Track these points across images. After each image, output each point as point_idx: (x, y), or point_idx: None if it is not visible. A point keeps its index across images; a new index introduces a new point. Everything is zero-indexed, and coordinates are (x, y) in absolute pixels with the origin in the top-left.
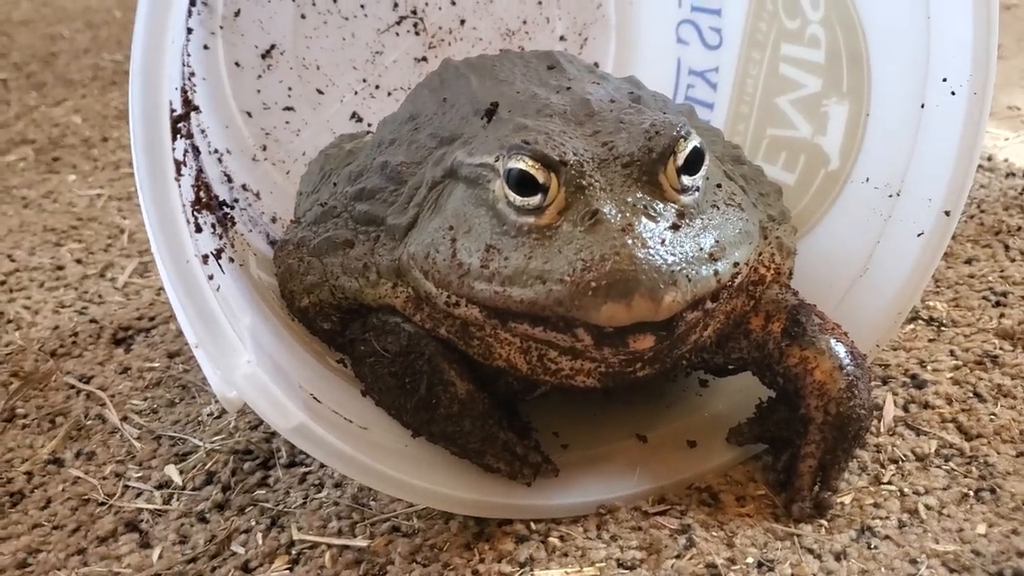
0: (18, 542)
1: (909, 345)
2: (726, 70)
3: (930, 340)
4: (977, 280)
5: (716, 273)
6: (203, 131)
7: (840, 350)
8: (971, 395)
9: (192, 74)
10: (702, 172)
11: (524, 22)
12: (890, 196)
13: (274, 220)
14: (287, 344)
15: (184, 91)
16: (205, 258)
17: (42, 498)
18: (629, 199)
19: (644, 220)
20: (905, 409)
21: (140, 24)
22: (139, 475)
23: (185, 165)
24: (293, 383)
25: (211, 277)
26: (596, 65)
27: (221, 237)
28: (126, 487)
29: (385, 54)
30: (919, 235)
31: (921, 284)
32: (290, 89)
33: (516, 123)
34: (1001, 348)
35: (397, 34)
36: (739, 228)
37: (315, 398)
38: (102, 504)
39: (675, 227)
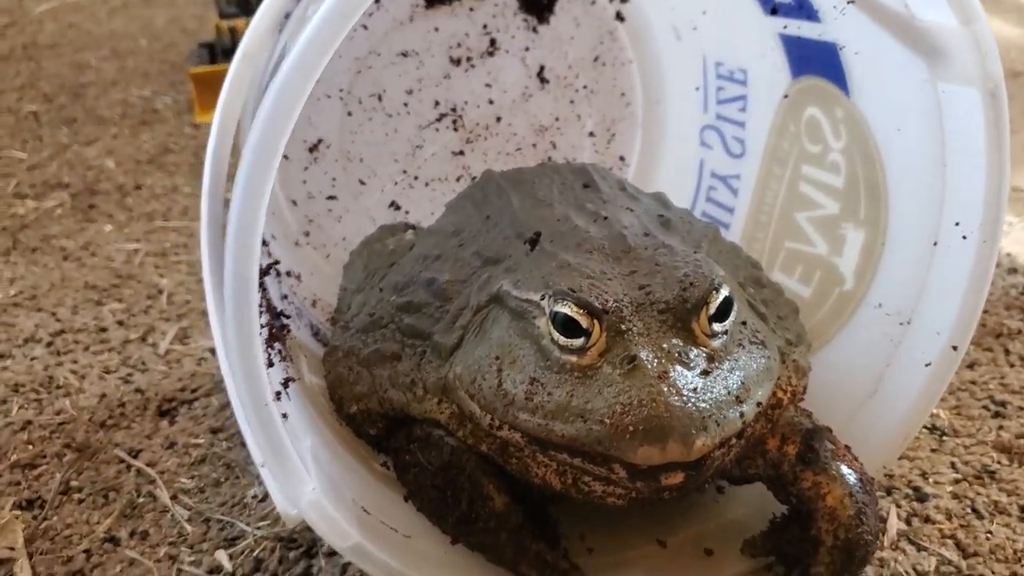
0: None
1: (912, 455)
2: (747, 179)
3: (932, 450)
4: (978, 387)
5: (742, 415)
6: None
7: (851, 477)
8: (969, 511)
9: None
10: (731, 319)
11: (556, 119)
12: (901, 324)
13: (314, 304)
14: (338, 455)
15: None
16: (278, 395)
17: None
18: (664, 345)
19: (678, 367)
20: (908, 522)
21: (241, 191)
22: (191, 559)
23: (261, 308)
24: (347, 500)
25: (285, 416)
26: (622, 159)
27: (284, 358)
28: (180, 571)
29: (425, 148)
30: (927, 365)
31: (926, 411)
32: (334, 179)
33: (560, 260)
34: (999, 462)
35: (437, 129)
36: (762, 366)
37: (365, 510)
38: None
39: (705, 372)
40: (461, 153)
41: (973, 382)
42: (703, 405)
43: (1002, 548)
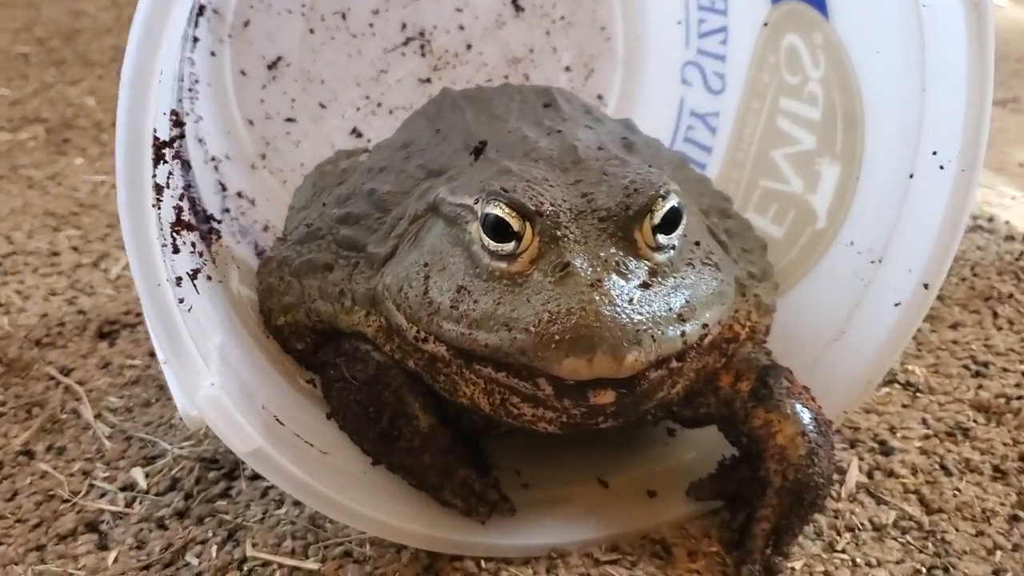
0: None
1: (882, 409)
2: (726, 116)
3: (904, 405)
4: (960, 347)
5: (683, 334)
6: (200, 140)
7: (805, 416)
8: (938, 467)
9: (196, 81)
10: (679, 231)
11: (531, 50)
12: (872, 262)
13: (266, 229)
14: (257, 364)
15: (175, 113)
16: (179, 280)
17: (9, 490)
18: (602, 254)
19: (614, 277)
20: (869, 476)
21: (129, 57)
22: (106, 475)
23: (168, 187)
24: (256, 405)
25: (182, 300)
26: (600, 98)
27: (201, 255)
28: (91, 486)
29: (390, 73)
30: (896, 304)
31: (894, 354)
32: (293, 101)
33: (500, 166)
34: (974, 421)
35: (403, 54)
36: (713, 288)
37: (278, 420)
38: (66, 501)
39: (645, 285)
40: (428, 81)
41: (955, 342)
42: (638, 317)
43: (969, 506)
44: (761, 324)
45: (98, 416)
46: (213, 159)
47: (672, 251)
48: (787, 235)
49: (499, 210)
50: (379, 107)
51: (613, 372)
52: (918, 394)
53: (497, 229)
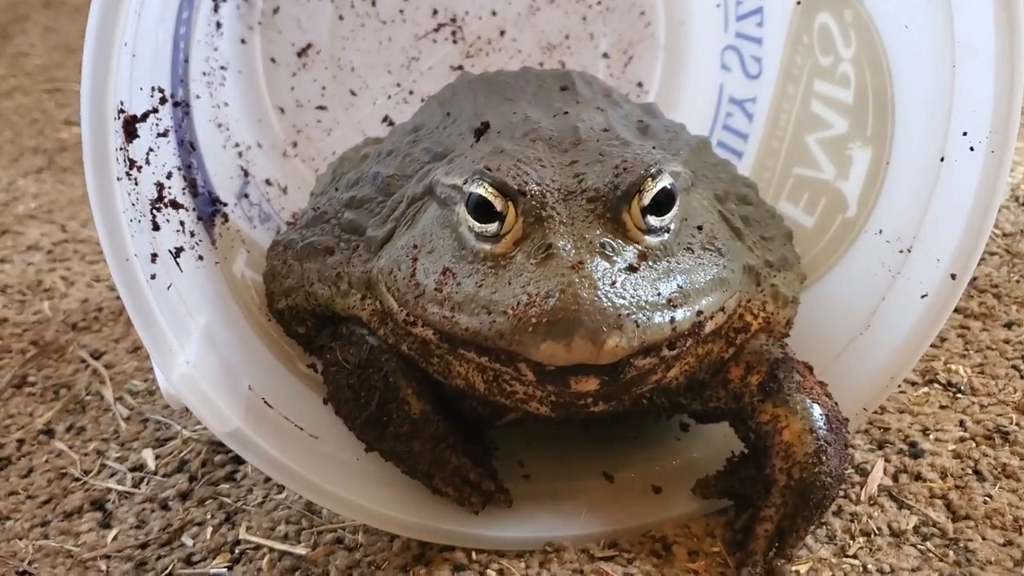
0: None
1: (917, 410)
2: (763, 101)
3: (942, 407)
4: (1011, 346)
5: (672, 321)
6: (221, 125)
7: (815, 412)
8: (970, 472)
9: (223, 67)
10: (672, 213)
11: (567, 36)
12: (901, 251)
13: (295, 216)
14: (249, 346)
15: (160, 90)
16: (154, 256)
17: (26, 467)
18: (587, 235)
19: (597, 259)
20: (894, 479)
21: (90, 29)
22: (118, 455)
23: (148, 164)
24: (240, 386)
25: (154, 276)
26: (640, 85)
27: (193, 235)
28: (103, 466)
29: (421, 60)
30: (923, 296)
31: (919, 349)
32: (324, 88)
33: (494, 146)
34: (1017, 424)
35: (435, 41)
36: (712, 275)
37: (266, 402)
38: (77, 480)
39: (632, 269)
40: (460, 68)
41: (1007, 341)
42: (620, 301)
43: (1000, 514)
44: (779, 316)
45: (119, 399)
46: (237, 145)
47: (666, 234)
48: (818, 224)
49: (482, 189)
50: (411, 95)
51: (592, 358)
52: (959, 395)
53: (480, 209)
